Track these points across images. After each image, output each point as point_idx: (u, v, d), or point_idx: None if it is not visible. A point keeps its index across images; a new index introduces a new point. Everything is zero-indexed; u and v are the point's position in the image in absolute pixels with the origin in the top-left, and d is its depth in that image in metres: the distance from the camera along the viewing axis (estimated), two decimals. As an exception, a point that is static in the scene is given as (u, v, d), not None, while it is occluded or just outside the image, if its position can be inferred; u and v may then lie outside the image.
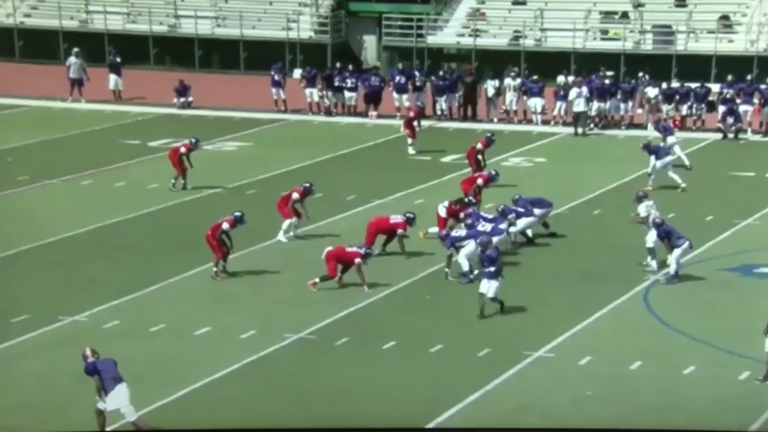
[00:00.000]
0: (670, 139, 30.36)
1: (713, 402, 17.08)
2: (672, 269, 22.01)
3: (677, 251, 21.95)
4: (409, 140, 31.91)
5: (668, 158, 28.53)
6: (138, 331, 19.70)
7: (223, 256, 21.99)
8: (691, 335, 19.55)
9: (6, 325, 19.77)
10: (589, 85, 35.20)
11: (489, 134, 29.74)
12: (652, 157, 28.31)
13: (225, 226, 21.95)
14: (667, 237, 22.03)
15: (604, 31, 42.53)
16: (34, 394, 17.31)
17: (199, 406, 17.00)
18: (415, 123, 32.50)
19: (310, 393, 17.37)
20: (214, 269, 22.05)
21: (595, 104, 35.07)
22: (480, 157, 28.58)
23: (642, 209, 23.43)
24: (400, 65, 38.57)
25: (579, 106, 34.49)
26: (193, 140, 28.33)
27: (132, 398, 15.84)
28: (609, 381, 17.85)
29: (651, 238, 22.49)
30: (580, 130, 34.63)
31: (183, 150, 28.05)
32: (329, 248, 21.75)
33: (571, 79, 36.51)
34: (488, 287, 20.25)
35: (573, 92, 34.62)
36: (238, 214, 22.16)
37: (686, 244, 21.98)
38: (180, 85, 38.26)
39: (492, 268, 20.29)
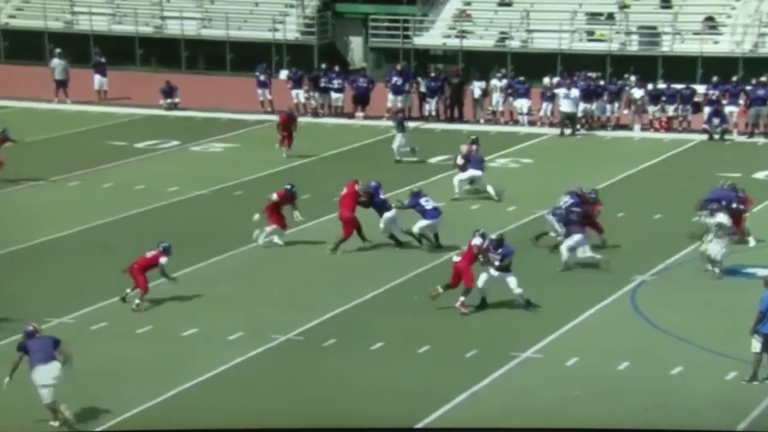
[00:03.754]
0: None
1: (700, 402, 17.12)
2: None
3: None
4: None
5: None
6: (125, 333, 19.67)
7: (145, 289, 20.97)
8: (679, 335, 19.60)
9: (-8, 327, 19.71)
10: (576, 86, 35.28)
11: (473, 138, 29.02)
12: None
13: (163, 260, 20.87)
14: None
15: (590, 33, 42.60)
16: (19, 396, 17.22)
17: (188, 407, 16.97)
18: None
19: (297, 394, 17.37)
20: (137, 301, 20.87)
21: (582, 105, 35.12)
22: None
23: (724, 218, 22.62)
24: (398, 66, 38.53)
25: (567, 107, 34.55)
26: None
27: (61, 379, 16.03)
28: (596, 381, 17.88)
29: (718, 249, 22.25)
30: (568, 131, 34.69)
31: None
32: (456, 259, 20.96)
33: (556, 80, 36.58)
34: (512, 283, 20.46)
35: (560, 93, 34.68)
36: (165, 245, 21.07)
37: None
38: (166, 86, 38.21)
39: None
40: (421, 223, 23.65)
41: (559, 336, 19.69)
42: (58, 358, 16.23)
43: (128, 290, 21.04)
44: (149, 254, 21.11)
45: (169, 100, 37.97)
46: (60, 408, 16.09)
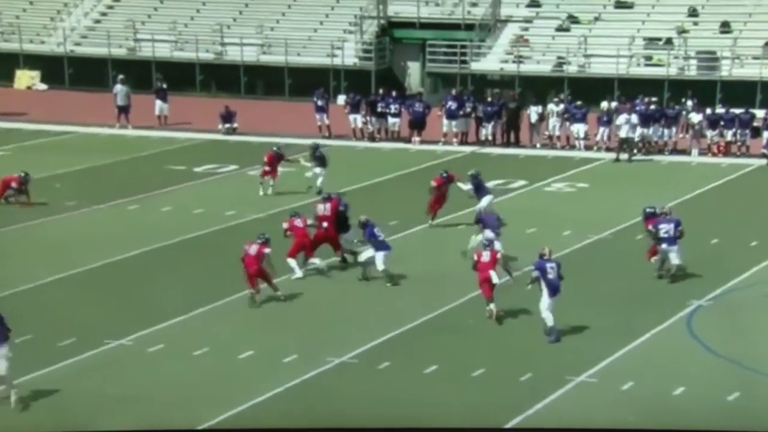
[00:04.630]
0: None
1: (758, 428, 16.95)
2: None
3: None
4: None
5: None
6: (182, 355, 19.87)
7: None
8: (735, 361, 19.44)
9: (53, 348, 20.00)
10: (636, 111, 35.18)
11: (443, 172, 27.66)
12: None
13: (267, 251, 22.15)
14: None
15: (648, 57, 42.47)
16: (79, 417, 17.50)
17: (242, 430, 17.10)
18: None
19: (351, 417, 17.42)
20: (280, 293, 22.40)
21: (639, 130, 34.99)
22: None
23: None
24: (453, 91, 38.71)
25: (626, 132, 34.44)
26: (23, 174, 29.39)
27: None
28: (651, 406, 17.78)
29: None
30: (624, 156, 34.56)
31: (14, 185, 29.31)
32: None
33: (614, 105, 36.50)
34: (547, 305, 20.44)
35: (621, 118, 34.58)
36: (266, 236, 22.38)
37: None
38: (225, 111, 38.65)
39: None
40: (368, 254, 23.58)
41: (615, 360, 19.61)
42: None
43: (252, 290, 21.99)
44: (253, 251, 21.85)
45: (227, 125, 38.40)
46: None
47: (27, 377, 18.70)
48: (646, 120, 35.21)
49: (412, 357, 19.74)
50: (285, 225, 23.98)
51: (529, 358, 19.63)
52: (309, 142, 32.27)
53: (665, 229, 23.39)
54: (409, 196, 30.49)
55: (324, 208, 24.37)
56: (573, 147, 36.20)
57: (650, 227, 23.68)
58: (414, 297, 22.71)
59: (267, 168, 30.26)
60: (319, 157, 30.36)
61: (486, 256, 21.48)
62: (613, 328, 20.98)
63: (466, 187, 26.91)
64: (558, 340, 20.36)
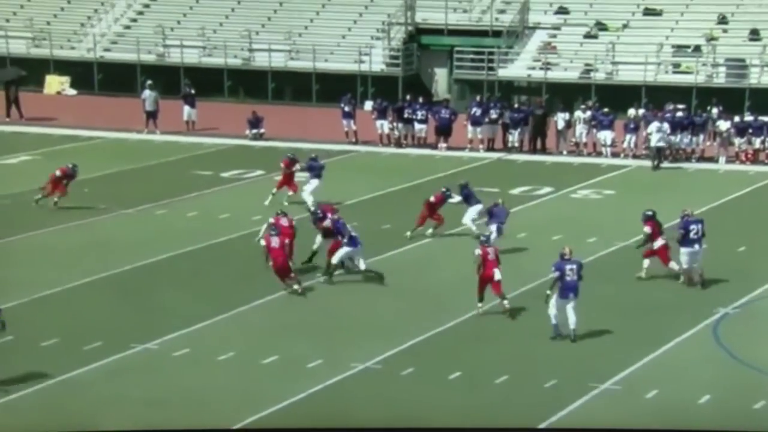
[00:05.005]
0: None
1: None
2: None
3: None
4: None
5: None
6: (206, 360, 19.96)
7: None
8: (762, 369, 19.35)
9: (79, 351, 20.13)
10: (667, 119, 35.07)
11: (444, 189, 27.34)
12: None
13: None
14: None
15: (676, 65, 42.34)
16: (104, 421, 17.61)
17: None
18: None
19: (374, 423, 17.43)
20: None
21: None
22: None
23: None
24: (477, 98, 38.67)
25: (657, 140, 34.33)
26: (70, 165, 29.60)
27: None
28: (676, 414, 17.72)
29: None
30: (663, 164, 34.42)
31: (58, 173, 29.38)
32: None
33: (641, 112, 36.41)
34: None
35: (652, 126, 34.48)
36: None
37: None
38: (253, 116, 38.80)
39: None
40: (342, 251, 23.87)
41: (640, 367, 19.57)
42: None
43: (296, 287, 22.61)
44: (275, 243, 22.88)
45: (255, 131, 38.54)
46: None
47: (53, 380, 18.86)
48: (674, 127, 35.09)
49: (436, 363, 19.76)
50: (271, 220, 24.39)
51: (553, 364, 19.60)
52: (338, 147, 32.22)
53: (695, 229, 23.31)
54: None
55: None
56: (599, 154, 36.11)
57: (680, 229, 23.49)
58: (438, 303, 22.71)
59: (286, 172, 30.10)
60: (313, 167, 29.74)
61: (492, 254, 21.73)
62: (638, 335, 20.93)
63: (456, 199, 26.85)
64: (560, 337, 20.55)
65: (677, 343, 20.65)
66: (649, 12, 44.50)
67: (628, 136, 35.75)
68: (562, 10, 45.29)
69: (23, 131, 40.05)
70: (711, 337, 20.99)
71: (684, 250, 23.34)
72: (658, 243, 23.72)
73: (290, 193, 29.82)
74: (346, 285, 23.89)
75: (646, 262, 23.81)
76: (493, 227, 24.74)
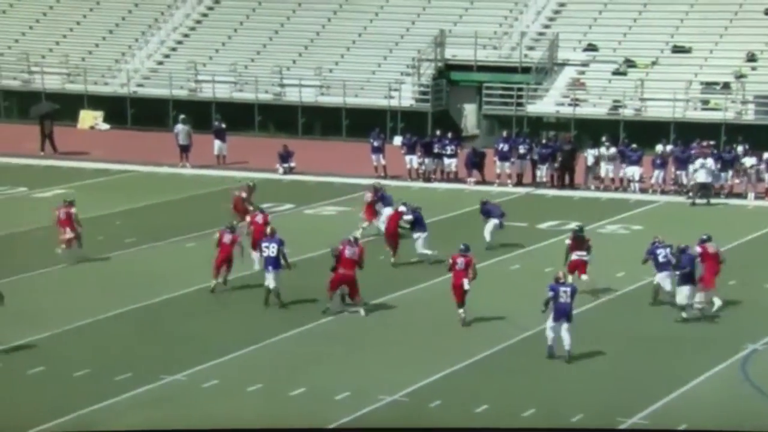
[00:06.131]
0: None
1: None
2: None
3: None
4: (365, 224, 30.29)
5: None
6: (235, 391, 20.11)
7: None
8: (789, 405, 19.33)
9: (110, 382, 20.35)
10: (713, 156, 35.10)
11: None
12: None
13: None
14: None
15: (705, 101, 42.39)
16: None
17: None
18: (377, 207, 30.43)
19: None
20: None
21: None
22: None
23: None
24: (504, 133, 38.91)
25: (702, 176, 34.35)
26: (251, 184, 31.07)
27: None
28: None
29: None
30: (702, 201, 34.44)
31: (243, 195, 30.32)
32: None
33: (669, 148, 36.51)
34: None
35: (697, 163, 34.51)
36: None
37: None
38: (284, 150, 39.12)
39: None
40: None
41: (668, 402, 19.58)
42: None
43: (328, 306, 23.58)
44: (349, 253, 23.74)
45: (285, 165, 38.83)
46: None
47: (85, 410, 19.05)
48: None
49: (464, 396, 19.84)
50: (248, 219, 27.37)
51: (581, 398, 19.65)
52: (366, 182, 32.53)
53: (663, 254, 23.84)
54: (463, 237, 30.60)
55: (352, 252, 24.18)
56: (625, 189, 36.17)
57: (646, 254, 24.46)
58: (467, 335, 22.82)
59: (371, 201, 30.33)
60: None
61: (461, 264, 23.10)
62: (666, 369, 20.95)
63: (408, 216, 27.99)
64: (553, 357, 21.23)
65: (706, 378, 20.64)
66: (678, 49, 44.60)
67: (656, 172, 35.82)
68: (591, 47, 45.47)
69: (57, 165, 40.51)
70: (740, 372, 20.96)
71: (662, 275, 24.06)
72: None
73: (366, 224, 30.08)
74: (373, 317, 24.01)
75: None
76: (493, 222, 28.35)
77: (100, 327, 23.52)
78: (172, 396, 19.98)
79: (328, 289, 23.92)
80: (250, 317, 24.02)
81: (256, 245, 26.16)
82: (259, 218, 27.26)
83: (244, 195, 30.30)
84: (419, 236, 27.83)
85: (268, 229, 25.47)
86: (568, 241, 25.56)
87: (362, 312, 23.96)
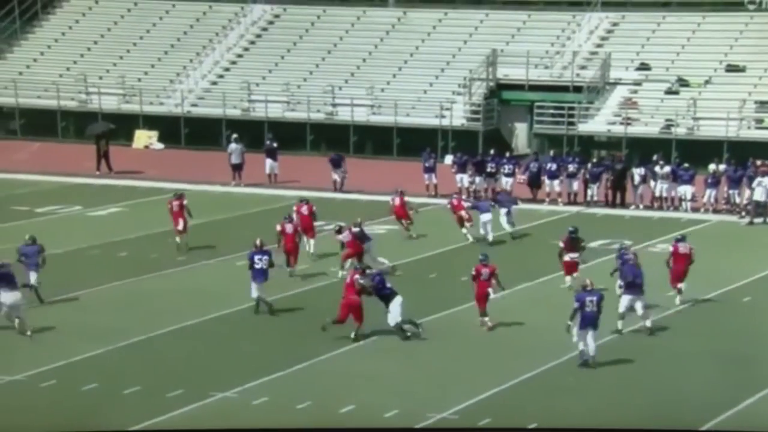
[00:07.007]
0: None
1: None
2: None
3: None
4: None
5: None
6: (284, 408, 20.24)
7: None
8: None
9: (162, 399, 20.56)
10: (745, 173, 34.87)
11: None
12: None
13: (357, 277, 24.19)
14: None
15: (759, 120, 42.09)
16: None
17: None
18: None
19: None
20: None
21: (747, 192, 34.70)
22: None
23: None
24: (552, 152, 38.88)
25: (760, 195, 34.16)
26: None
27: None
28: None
29: None
30: (759, 220, 34.20)
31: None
32: None
33: (722, 167, 36.31)
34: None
35: (756, 182, 34.32)
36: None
37: None
38: (336, 155, 39.66)
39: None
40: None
41: (717, 423, 19.40)
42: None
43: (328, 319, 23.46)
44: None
45: (339, 170, 39.13)
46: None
47: (135, 428, 19.27)
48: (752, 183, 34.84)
49: (513, 414, 19.84)
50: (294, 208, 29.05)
51: (630, 416, 19.57)
52: (418, 201, 32.74)
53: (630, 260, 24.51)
54: (509, 255, 30.60)
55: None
56: (677, 208, 36.00)
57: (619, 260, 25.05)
58: (516, 353, 22.81)
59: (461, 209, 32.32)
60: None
61: (485, 274, 23.56)
62: (717, 388, 20.82)
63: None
64: (586, 365, 21.49)
65: (758, 399, 20.49)
66: (731, 68, 44.35)
67: (708, 191, 35.63)
68: (644, 67, 45.33)
69: (112, 184, 41.03)
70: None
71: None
72: None
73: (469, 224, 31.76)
74: (422, 335, 24.06)
75: None
76: (503, 211, 30.52)
77: (152, 344, 23.80)
78: (222, 413, 20.14)
79: (337, 316, 23.89)
80: (299, 335, 24.17)
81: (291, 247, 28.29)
82: (305, 209, 29.71)
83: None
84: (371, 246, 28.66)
85: (258, 242, 25.92)
86: (561, 243, 26.13)
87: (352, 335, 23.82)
